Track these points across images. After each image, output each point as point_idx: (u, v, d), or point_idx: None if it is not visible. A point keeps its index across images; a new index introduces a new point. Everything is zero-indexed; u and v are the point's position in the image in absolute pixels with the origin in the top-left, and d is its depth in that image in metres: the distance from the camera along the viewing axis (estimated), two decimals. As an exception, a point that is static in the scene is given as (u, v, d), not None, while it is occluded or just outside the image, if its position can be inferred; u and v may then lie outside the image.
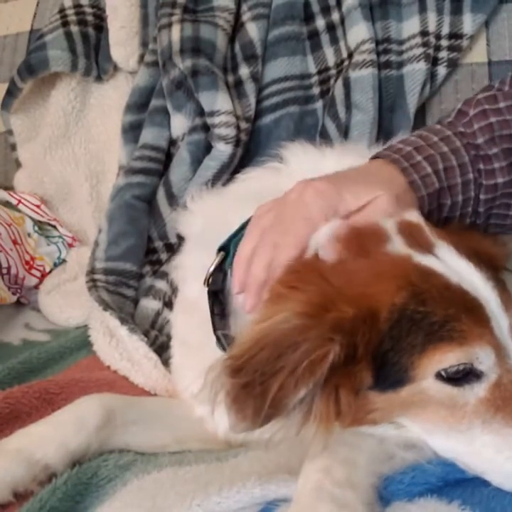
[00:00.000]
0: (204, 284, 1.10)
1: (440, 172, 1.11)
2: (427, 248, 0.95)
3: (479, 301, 0.91)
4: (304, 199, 1.02)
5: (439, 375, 0.88)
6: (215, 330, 1.07)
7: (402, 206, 1.02)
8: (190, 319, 1.21)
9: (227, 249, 1.10)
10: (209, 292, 1.09)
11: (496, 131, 1.18)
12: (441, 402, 0.89)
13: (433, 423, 0.90)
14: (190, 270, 1.23)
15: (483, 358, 0.89)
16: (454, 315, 0.88)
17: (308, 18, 1.88)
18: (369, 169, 1.09)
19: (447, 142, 1.15)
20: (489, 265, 0.98)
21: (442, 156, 1.13)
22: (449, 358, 0.87)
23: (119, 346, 1.49)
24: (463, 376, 0.89)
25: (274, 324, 0.86)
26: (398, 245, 0.95)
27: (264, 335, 0.86)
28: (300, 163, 1.26)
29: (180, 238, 1.55)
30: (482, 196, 1.14)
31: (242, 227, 1.11)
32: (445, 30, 1.78)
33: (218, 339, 1.07)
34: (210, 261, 1.10)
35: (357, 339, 0.86)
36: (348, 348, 0.85)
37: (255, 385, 0.82)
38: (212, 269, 1.10)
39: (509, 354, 0.91)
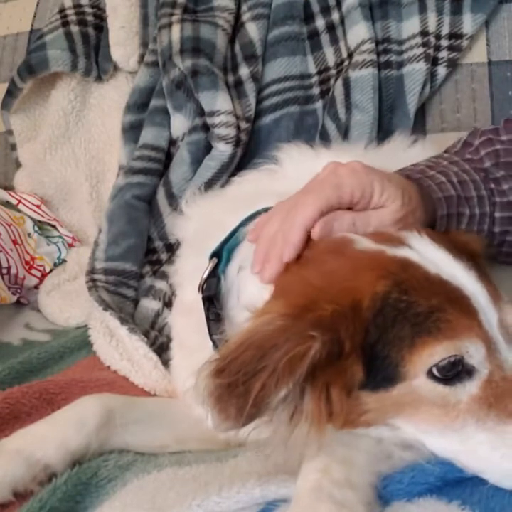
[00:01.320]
0: (198, 290, 1.10)
1: (455, 183, 1.11)
2: (399, 241, 0.96)
3: (463, 291, 0.91)
4: (338, 172, 1.01)
5: (430, 373, 0.88)
6: (211, 335, 1.08)
7: (401, 225, 1.02)
8: (187, 322, 1.21)
9: (220, 255, 1.11)
10: (204, 298, 1.09)
11: (501, 157, 1.19)
12: (433, 401, 0.89)
13: (427, 423, 0.90)
14: (186, 274, 1.23)
15: (473, 352, 0.88)
16: (438, 305, 0.88)
17: (308, 18, 1.89)
18: (396, 175, 1.09)
19: (457, 165, 1.16)
20: (466, 254, 0.98)
21: (455, 174, 1.13)
22: (438, 351, 0.87)
23: (119, 346, 1.49)
24: (455, 374, 0.88)
25: (258, 326, 0.88)
26: (366, 243, 0.96)
27: (248, 336, 0.87)
28: (295, 165, 1.26)
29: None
30: (497, 214, 1.15)
31: (234, 232, 1.11)
32: (445, 30, 1.78)
33: (214, 343, 1.07)
34: (205, 265, 1.11)
35: (340, 334, 0.87)
36: (332, 343, 0.86)
37: (238, 384, 0.83)
38: (205, 275, 1.10)
39: (499, 349, 0.90)
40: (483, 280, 0.95)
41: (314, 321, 0.86)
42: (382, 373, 0.89)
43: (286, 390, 0.84)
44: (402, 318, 0.88)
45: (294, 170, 1.25)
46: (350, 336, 0.87)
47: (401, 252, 0.94)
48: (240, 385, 0.83)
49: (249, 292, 1.00)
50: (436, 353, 0.87)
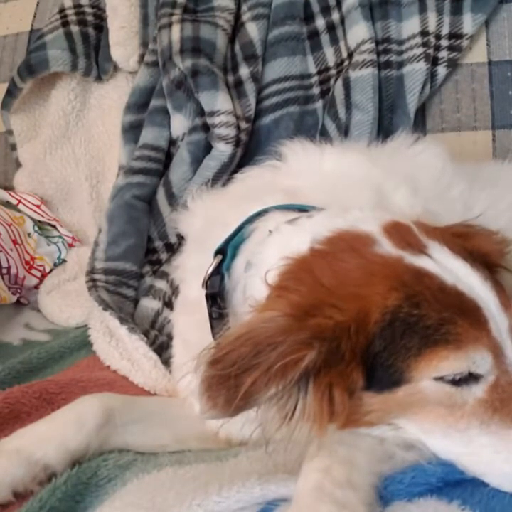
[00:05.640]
0: (202, 287, 1.10)
1: None
2: (419, 249, 0.95)
3: (476, 302, 0.91)
4: None
5: (436, 377, 0.88)
6: (213, 333, 1.07)
7: None
8: (190, 319, 1.21)
9: (225, 252, 1.10)
10: (207, 295, 1.09)
11: None
12: (439, 400, 0.89)
13: (431, 422, 0.90)
14: (190, 270, 1.22)
15: (480, 362, 0.88)
16: (449, 318, 0.88)
17: (308, 17, 1.89)
18: None
19: None
20: (484, 264, 0.98)
21: None
22: (444, 367, 0.87)
23: (119, 346, 1.49)
24: (461, 378, 0.88)
25: (259, 322, 0.88)
26: (387, 246, 0.95)
27: (247, 330, 0.87)
28: (299, 161, 1.26)
29: (181, 238, 1.55)
30: None
31: (239, 229, 1.11)
32: (445, 30, 1.78)
33: None
34: (209, 261, 1.10)
35: (341, 345, 0.86)
36: (330, 353, 0.86)
37: (230, 377, 0.84)
38: (209, 272, 1.10)
39: (507, 355, 0.90)
40: (496, 288, 0.94)
41: (315, 329, 0.85)
42: (386, 380, 0.89)
43: (275, 390, 0.84)
44: (411, 332, 0.87)
45: (299, 165, 1.25)
46: (352, 348, 0.87)
47: (419, 262, 0.92)
48: (232, 378, 0.83)
49: (258, 289, 0.98)
50: (443, 368, 0.87)
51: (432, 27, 1.79)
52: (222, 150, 1.75)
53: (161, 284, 1.66)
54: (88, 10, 2.09)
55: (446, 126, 1.83)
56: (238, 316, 1.06)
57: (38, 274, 1.94)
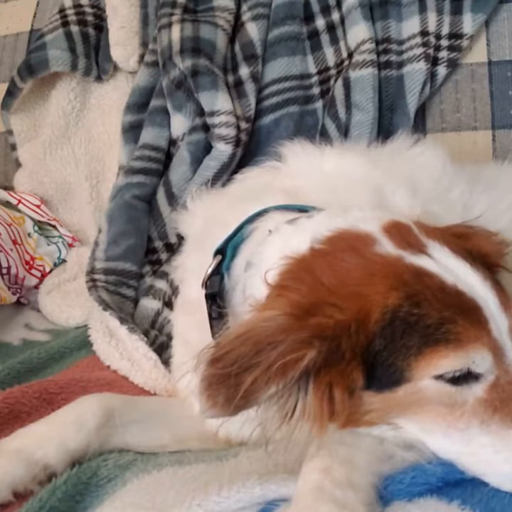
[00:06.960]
0: (202, 287, 1.10)
1: None
2: (419, 248, 0.95)
3: (476, 301, 0.91)
4: None
5: (436, 376, 0.88)
6: (213, 333, 1.08)
7: None
8: (190, 319, 1.21)
9: (224, 251, 1.10)
10: (207, 295, 1.09)
11: None
12: (439, 399, 0.89)
13: (432, 421, 0.90)
14: (190, 271, 1.23)
15: (480, 361, 0.88)
16: (449, 317, 0.88)
17: (308, 17, 1.89)
18: None
19: None
20: (484, 264, 0.98)
21: None
22: (444, 365, 0.87)
23: (119, 346, 1.49)
24: (461, 377, 0.89)
25: (260, 321, 0.88)
26: (387, 246, 0.95)
27: (247, 329, 0.87)
28: (299, 162, 1.26)
29: (181, 238, 1.55)
30: None
31: (239, 229, 1.11)
32: (445, 30, 1.78)
33: None
34: (208, 262, 1.11)
35: (341, 344, 0.87)
36: (330, 352, 0.86)
37: (230, 376, 0.84)
38: (209, 272, 1.10)
39: (507, 355, 0.90)
40: (496, 288, 0.94)
41: (315, 329, 0.86)
42: (386, 379, 0.89)
43: (275, 389, 0.84)
44: (412, 331, 0.88)
45: (298, 166, 1.25)
46: (352, 347, 0.87)
47: (419, 261, 0.93)
48: (233, 376, 0.83)
49: (258, 289, 0.98)
50: (442, 366, 0.88)
51: (432, 27, 1.79)
52: (222, 150, 1.76)
53: (161, 284, 1.66)
54: (88, 10, 2.09)
55: (446, 126, 1.83)
56: (238, 315, 1.06)
57: (38, 274, 1.94)
